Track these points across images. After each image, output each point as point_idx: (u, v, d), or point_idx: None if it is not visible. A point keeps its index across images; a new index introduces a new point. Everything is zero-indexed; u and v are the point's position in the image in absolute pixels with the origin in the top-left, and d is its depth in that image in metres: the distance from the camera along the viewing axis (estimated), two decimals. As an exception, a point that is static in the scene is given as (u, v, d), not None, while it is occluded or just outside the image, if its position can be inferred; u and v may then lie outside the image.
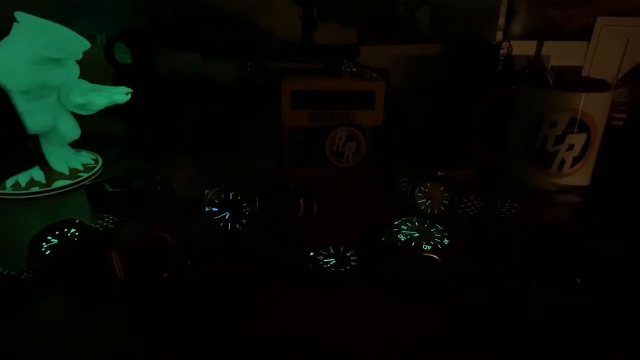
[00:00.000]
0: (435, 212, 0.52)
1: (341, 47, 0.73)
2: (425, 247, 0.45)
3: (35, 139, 0.62)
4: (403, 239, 0.46)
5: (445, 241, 0.46)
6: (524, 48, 0.74)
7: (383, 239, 0.46)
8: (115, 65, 0.70)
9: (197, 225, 0.47)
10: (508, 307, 0.38)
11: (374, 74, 0.65)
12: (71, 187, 0.61)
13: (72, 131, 0.64)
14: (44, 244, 0.43)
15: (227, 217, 0.48)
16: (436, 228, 0.47)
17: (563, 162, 0.58)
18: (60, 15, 0.58)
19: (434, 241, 0.45)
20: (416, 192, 0.53)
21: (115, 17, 0.71)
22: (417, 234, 0.46)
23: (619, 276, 0.41)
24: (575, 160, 0.58)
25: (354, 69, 0.65)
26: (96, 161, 0.68)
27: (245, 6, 0.72)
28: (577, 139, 0.56)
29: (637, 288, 0.40)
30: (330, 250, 0.44)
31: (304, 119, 0.65)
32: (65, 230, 0.45)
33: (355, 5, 0.73)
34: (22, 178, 0.59)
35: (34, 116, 0.59)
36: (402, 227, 0.47)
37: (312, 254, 0.43)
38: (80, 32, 0.57)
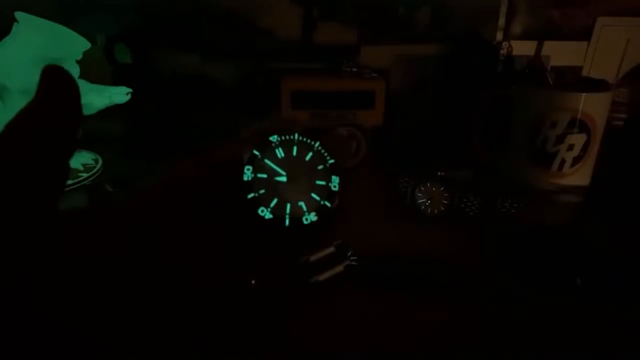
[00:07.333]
0: (435, 212, 0.52)
1: (341, 47, 0.73)
2: None
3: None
4: None
5: None
6: (524, 48, 0.74)
7: None
8: (115, 65, 0.70)
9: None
10: (508, 307, 0.38)
11: (374, 74, 0.65)
12: (71, 187, 0.61)
13: (72, 131, 0.63)
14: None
15: (227, 217, 0.47)
16: None
17: (563, 162, 0.58)
18: (60, 15, 0.58)
19: None
20: (416, 192, 0.53)
21: (115, 17, 0.71)
22: None
23: (619, 276, 0.41)
24: (576, 160, 0.58)
25: (354, 69, 0.65)
26: (96, 161, 0.68)
27: (245, 6, 0.72)
28: (577, 139, 0.56)
29: (637, 288, 0.40)
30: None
31: (304, 119, 0.65)
32: (65, 230, 0.45)
33: (355, 5, 0.73)
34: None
35: (34, 116, 0.59)
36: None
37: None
38: (80, 32, 0.57)
